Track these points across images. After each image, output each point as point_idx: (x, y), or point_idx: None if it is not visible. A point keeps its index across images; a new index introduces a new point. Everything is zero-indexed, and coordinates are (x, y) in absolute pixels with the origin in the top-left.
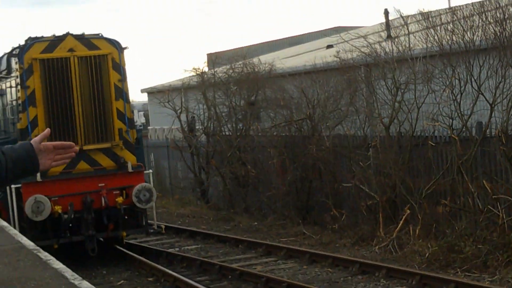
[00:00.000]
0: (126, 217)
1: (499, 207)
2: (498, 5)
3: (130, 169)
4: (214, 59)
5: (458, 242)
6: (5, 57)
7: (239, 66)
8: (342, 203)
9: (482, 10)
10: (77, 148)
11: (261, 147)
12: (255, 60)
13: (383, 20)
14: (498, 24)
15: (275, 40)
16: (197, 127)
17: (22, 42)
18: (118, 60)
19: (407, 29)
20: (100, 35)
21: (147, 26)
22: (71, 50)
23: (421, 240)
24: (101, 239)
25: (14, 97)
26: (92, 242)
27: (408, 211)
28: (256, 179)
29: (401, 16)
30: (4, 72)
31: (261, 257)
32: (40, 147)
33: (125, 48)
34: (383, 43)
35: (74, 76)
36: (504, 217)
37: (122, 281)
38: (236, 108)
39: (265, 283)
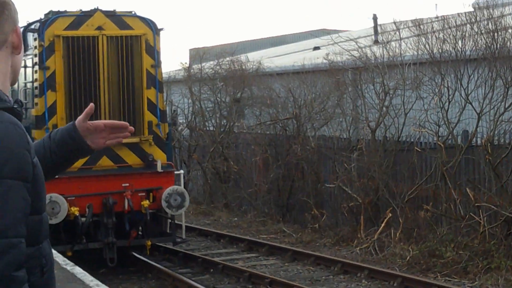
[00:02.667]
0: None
1: (481, 215)
2: (490, 16)
3: (159, 169)
4: (201, 54)
5: (439, 247)
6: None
7: (227, 62)
8: (323, 204)
9: (474, 20)
10: (132, 128)
11: (245, 144)
12: (242, 57)
13: (370, 25)
14: (489, 35)
15: (258, 39)
16: (180, 120)
17: (40, 17)
18: (152, 42)
19: (399, 35)
20: (133, 12)
21: None
22: (99, 28)
23: (402, 243)
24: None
25: (29, 78)
26: (111, 250)
27: (390, 214)
28: (237, 175)
29: (394, 22)
30: None
31: (242, 253)
32: (87, 126)
33: (161, 29)
34: (374, 48)
35: (102, 58)
36: (486, 225)
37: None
38: (221, 104)
39: (248, 278)
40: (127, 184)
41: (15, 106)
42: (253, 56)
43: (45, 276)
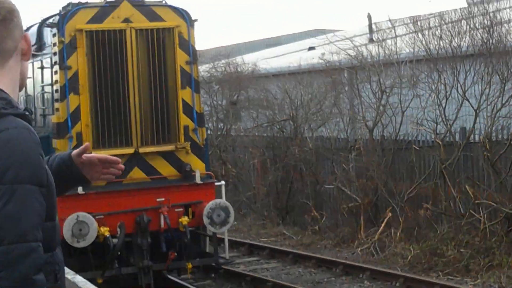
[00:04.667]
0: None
1: (481, 212)
2: (485, 12)
3: (198, 180)
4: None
5: (440, 245)
6: (35, 28)
7: (222, 65)
8: (323, 205)
9: (470, 15)
10: (122, 166)
11: (242, 147)
12: (238, 59)
13: (365, 23)
14: (485, 30)
15: (252, 41)
16: None
17: (59, 9)
18: (186, 35)
19: (395, 32)
20: (164, 2)
21: None
22: (127, 20)
23: (402, 243)
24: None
25: (47, 81)
26: (147, 275)
27: (390, 214)
28: (236, 178)
29: (389, 20)
30: (32, 48)
31: (243, 256)
32: (82, 160)
33: (195, 20)
34: (369, 46)
35: (130, 54)
36: (486, 222)
37: None
38: (218, 107)
39: (250, 282)
40: (163, 199)
41: (26, 113)
42: (249, 58)
43: (59, 282)
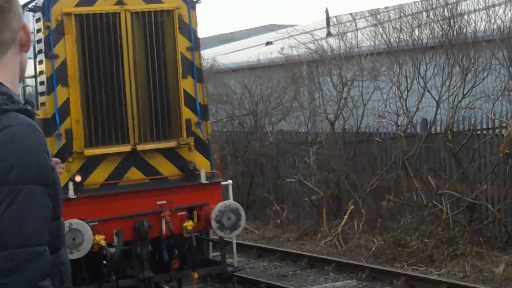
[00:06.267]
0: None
1: (444, 202)
2: (445, 3)
3: (203, 180)
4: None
5: (404, 236)
6: None
7: None
8: (285, 199)
9: (430, 7)
10: (62, 165)
11: None
12: None
13: (322, 18)
14: (445, 22)
15: (207, 37)
16: None
17: None
18: (187, 19)
19: (355, 25)
20: None
21: None
22: (120, 2)
23: (366, 234)
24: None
25: (30, 72)
26: None
27: (352, 206)
28: None
29: (350, 13)
30: None
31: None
32: None
33: (197, 1)
34: (330, 40)
35: (125, 40)
36: (449, 212)
37: None
38: None
39: (215, 276)
40: (164, 202)
41: (28, 108)
42: (207, 54)
43: (65, 284)
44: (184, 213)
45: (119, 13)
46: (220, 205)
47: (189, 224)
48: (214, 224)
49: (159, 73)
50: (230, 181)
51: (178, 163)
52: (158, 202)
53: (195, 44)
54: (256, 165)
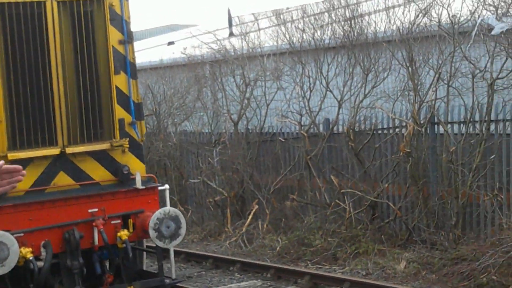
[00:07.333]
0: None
1: (346, 201)
2: (347, 4)
3: (139, 185)
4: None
5: (308, 235)
6: None
7: None
8: (188, 200)
9: (332, 8)
10: (24, 172)
11: None
12: None
13: (225, 18)
14: (346, 23)
15: None
16: None
17: None
18: (119, 9)
19: (258, 26)
20: None
21: None
22: None
23: (270, 234)
24: None
25: None
26: None
27: (256, 206)
28: None
29: (253, 13)
30: None
31: None
32: None
33: None
34: (232, 40)
35: (52, 32)
36: (351, 210)
37: None
38: None
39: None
40: (96, 210)
41: None
42: None
43: None
44: (118, 221)
45: (44, 2)
46: (159, 213)
47: (124, 234)
48: (152, 233)
49: (89, 68)
50: (167, 186)
51: (111, 167)
52: (89, 210)
53: (128, 36)
54: (160, 166)
